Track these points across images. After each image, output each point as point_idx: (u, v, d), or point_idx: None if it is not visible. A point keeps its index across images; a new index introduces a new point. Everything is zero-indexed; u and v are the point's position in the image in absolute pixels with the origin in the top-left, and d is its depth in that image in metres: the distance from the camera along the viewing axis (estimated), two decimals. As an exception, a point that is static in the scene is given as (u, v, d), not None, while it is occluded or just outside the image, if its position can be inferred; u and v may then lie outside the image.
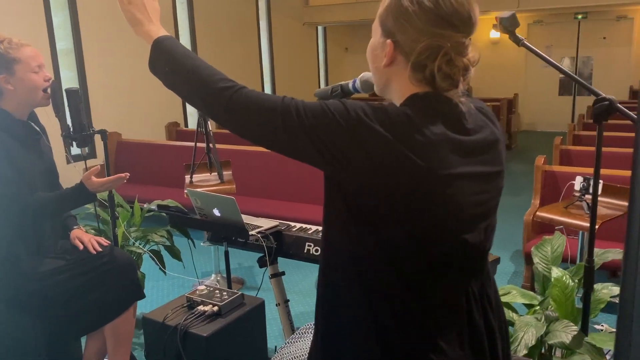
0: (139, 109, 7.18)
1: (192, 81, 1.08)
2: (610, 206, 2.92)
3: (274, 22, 10.15)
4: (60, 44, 6.31)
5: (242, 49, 9.16)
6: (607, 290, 1.77)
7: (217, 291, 2.04)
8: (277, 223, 2.66)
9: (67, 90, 2.07)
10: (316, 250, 2.50)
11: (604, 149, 5.08)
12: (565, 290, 1.67)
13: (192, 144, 5.38)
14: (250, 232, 2.47)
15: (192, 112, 8.48)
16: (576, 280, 1.72)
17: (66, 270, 2.08)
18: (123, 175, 2.17)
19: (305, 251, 2.52)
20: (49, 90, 2.09)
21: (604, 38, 10.93)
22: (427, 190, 0.99)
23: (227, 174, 3.94)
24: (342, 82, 1.33)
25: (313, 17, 11.49)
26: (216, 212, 2.48)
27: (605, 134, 5.79)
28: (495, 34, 11.19)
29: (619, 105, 1.37)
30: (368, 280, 1.06)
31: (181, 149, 5.49)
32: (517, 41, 1.47)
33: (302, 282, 3.93)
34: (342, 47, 13.48)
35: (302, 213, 4.41)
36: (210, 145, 3.85)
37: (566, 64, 11.08)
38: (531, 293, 1.91)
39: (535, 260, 1.97)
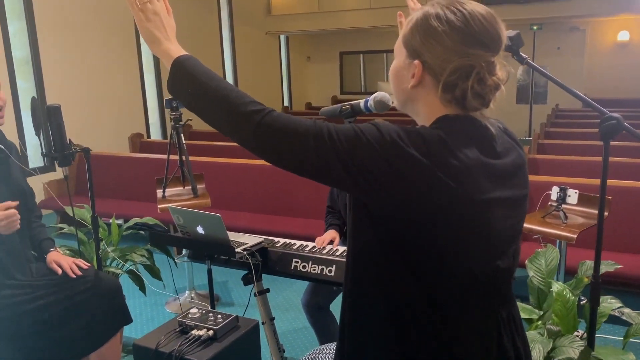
0: (100, 120, 6.97)
1: (218, 104, 1.02)
2: (586, 215, 2.99)
3: (237, 31, 10.08)
4: (16, 53, 6.06)
5: (204, 58, 8.94)
6: (607, 304, 1.81)
7: (211, 314, 1.97)
8: (262, 239, 2.60)
9: (48, 107, 1.96)
10: (303, 267, 2.46)
11: (576, 158, 5.20)
12: (567, 304, 1.69)
13: (160, 156, 5.26)
14: (236, 250, 2.41)
15: (155, 123, 8.30)
16: (577, 294, 1.74)
17: (45, 295, 1.96)
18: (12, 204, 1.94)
19: (292, 267, 2.47)
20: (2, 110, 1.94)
21: (558, 48, 11.33)
22: (463, 216, 0.97)
23: (200, 187, 3.84)
24: (353, 102, 1.30)
25: (276, 26, 11.47)
26: (200, 229, 2.41)
27: (575, 142, 5.94)
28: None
29: (626, 124, 1.39)
30: (397, 306, 1.03)
31: (149, 162, 5.34)
32: (521, 60, 1.48)
33: (278, 297, 3.87)
34: (304, 55, 13.51)
35: (279, 226, 4.36)
36: (183, 158, 3.76)
37: (522, 73, 11.39)
38: (529, 307, 1.92)
39: (530, 273, 1.99)
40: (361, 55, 13.33)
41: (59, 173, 5.84)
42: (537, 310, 1.88)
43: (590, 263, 1.89)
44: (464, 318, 1.03)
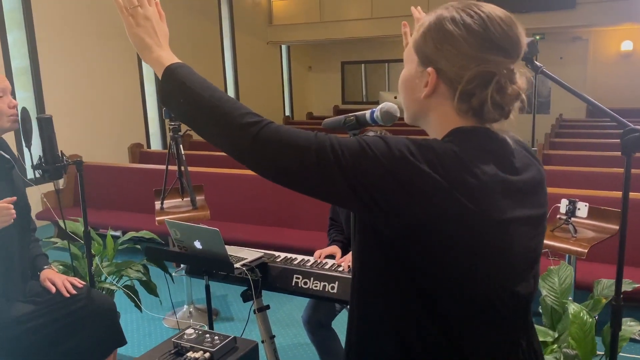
0: (100, 130, 6.91)
1: (212, 116, 0.94)
2: (596, 229, 2.90)
3: (238, 41, 10.04)
4: (15, 63, 6.01)
5: (206, 68, 8.99)
6: (628, 327, 1.71)
7: (207, 335, 1.88)
8: (262, 254, 2.52)
9: (39, 118, 1.88)
10: (304, 283, 2.37)
11: (584, 169, 5.11)
12: (584, 327, 1.60)
13: (159, 166, 5.19)
14: (235, 265, 2.32)
15: (155, 133, 8.24)
16: (594, 316, 1.65)
17: (38, 316, 1.87)
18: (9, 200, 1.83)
19: (293, 284, 2.38)
20: (16, 116, 1.88)
21: (561, 58, 11.27)
22: (480, 238, 0.89)
23: (199, 199, 3.76)
24: (358, 113, 1.22)
25: (277, 36, 11.44)
26: (197, 244, 2.32)
27: (581, 153, 5.85)
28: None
29: (650, 136, 1.31)
30: (407, 334, 0.95)
31: (148, 172, 5.27)
32: (536, 69, 1.40)
33: (279, 312, 3.77)
34: (306, 65, 13.47)
35: (280, 238, 4.27)
36: (182, 168, 3.68)
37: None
38: (543, 328, 1.83)
39: (543, 292, 1.90)
40: (363, 65, 13.29)
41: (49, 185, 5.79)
42: (551, 332, 1.79)
43: (606, 282, 1.79)
44: (480, 348, 0.95)
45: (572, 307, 1.68)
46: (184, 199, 3.73)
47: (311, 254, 2.60)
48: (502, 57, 0.92)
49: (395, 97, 10.77)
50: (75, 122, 6.50)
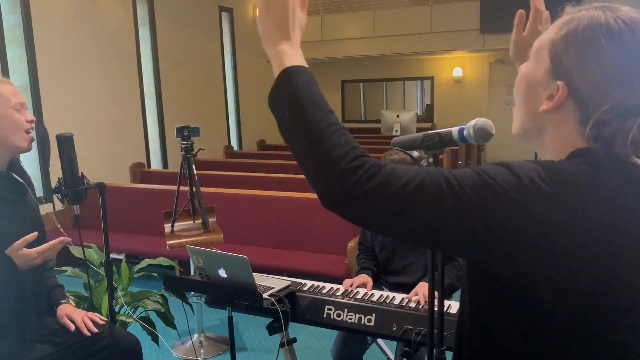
0: (100, 148, 6.72)
1: (315, 141, 0.78)
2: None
3: (239, 59, 9.94)
4: (15, 80, 5.84)
5: (206, 85, 8.87)
6: None
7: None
8: (289, 282, 2.34)
9: (58, 137, 1.72)
10: (337, 315, 2.20)
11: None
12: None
13: (165, 186, 5.01)
14: (264, 295, 2.14)
15: (155, 152, 8.06)
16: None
17: (57, 358, 1.67)
18: (64, 239, 1.75)
19: (325, 315, 2.21)
20: (31, 132, 1.72)
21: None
22: (628, 283, 0.73)
23: (211, 221, 3.58)
24: (440, 130, 1.07)
25: (277, 54, 11.34)
26: (222, 272, 2.15)
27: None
28: (458, 72, 11.34)
29: None
30: None
31: (155, 193, 5.08)
32: None
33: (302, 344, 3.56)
34: (306, 84, 13.38)
35: (293, 262, 4.08)
36: (194, 189, 3.50)
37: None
38: None
39: None
40: (361, 84, 13.23)
41: (57, 204, 5.59)
42: None
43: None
44: None
45: None
46: (196, 222, 3.55)
47: (322, 278, 2.43)
48: None
49: (398, 116, 10.67)
50: (75, 140, 6.32)
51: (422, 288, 2.18)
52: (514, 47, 1.19)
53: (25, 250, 1.68)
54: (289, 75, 0.84)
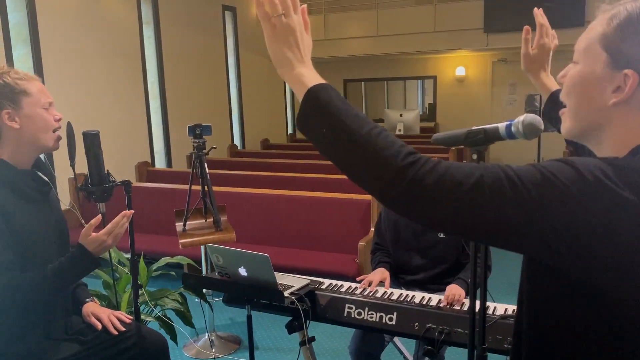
0: (105, 148, 6.69)
1: (363, 147, 0.79)
2: None
3: (242, 58, 9.92)
4: (20, 79, 5.82)
5: (210, 85, 8.85)
6: None
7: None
8: (308, 281, 2.34)
9: (84, 134, 1.71)
10: (358, 313, 2.19)
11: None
12: None
13: (174, 185, 5.01)
14: (285, 293, 2.14)
15: (159, 151, 8.04)
16: None
17: (85, 357, 1.65)
18: (127, 212, 1.72)
19: (345, 314, 2.20)
20: (58, 130, 1.71)
21: (565, 76, 11.26)
22: None
23: (223, 220, 3.57)
24: (486, 126, 1.06)
25: (280, 54, 11.32)
26: (242, 271, 2.14)
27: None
28: (461, 71, 11.34)
29: None
30: None
31: (160, 191, 5.08)
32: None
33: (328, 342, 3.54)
34: (308, 83, 13.37)
35: (303, 261, 4.06)
36: (206, 188, 3.50)
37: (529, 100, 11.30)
38: None
39: None
40: (362, 83, 13.22)
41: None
42: None
43: None
44: None
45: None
46: (207, 220, 3.54)
47: (333, 277, 2.42)
48: None
49: (401, 115, 10.67)
50: (79, 142, 6.30)
51: (452, 290, 2.19)
52: (525, 60, 1.31)
53: (94, 234, 1.66)
54: (315, 94, 0.85)
